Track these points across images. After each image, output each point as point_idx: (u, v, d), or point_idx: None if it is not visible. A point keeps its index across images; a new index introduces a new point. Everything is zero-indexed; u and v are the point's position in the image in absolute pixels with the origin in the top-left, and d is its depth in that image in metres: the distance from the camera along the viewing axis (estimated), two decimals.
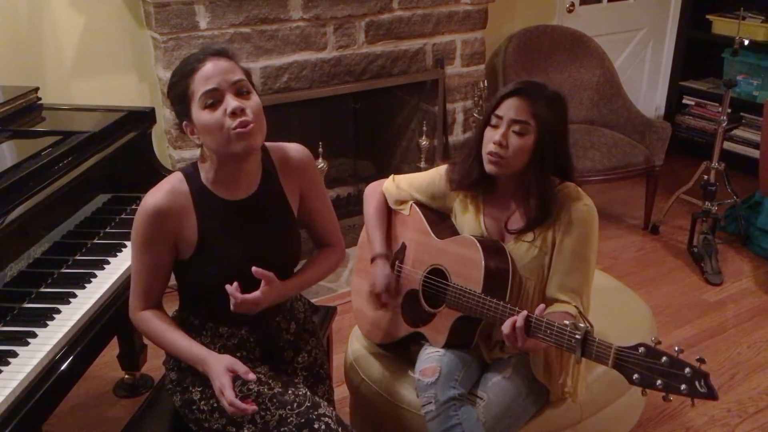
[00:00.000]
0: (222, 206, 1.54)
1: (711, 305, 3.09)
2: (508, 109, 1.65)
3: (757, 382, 2.59)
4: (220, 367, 1.45)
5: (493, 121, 1.68)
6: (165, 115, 2.87)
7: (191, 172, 1.55)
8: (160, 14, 2.68)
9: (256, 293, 1.48)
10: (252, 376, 1.44)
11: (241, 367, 1.45)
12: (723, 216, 3.61)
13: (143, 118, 2.25)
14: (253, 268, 1.47)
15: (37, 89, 2.24)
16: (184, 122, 1.49)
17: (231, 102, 1.42)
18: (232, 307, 1.48)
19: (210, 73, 1.43)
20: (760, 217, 3.47)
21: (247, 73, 1.51)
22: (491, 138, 1.67)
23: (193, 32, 2.76)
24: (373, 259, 1.90)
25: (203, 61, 1.45)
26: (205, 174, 1.55)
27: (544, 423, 1.80)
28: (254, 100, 1.47)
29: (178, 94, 1.47)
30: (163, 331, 1.55)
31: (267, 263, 1.55)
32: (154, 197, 1.50)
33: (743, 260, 3.46)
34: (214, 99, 1.43)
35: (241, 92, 1.45)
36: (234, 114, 1.42)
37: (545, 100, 1.66)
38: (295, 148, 1.67)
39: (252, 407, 1.41)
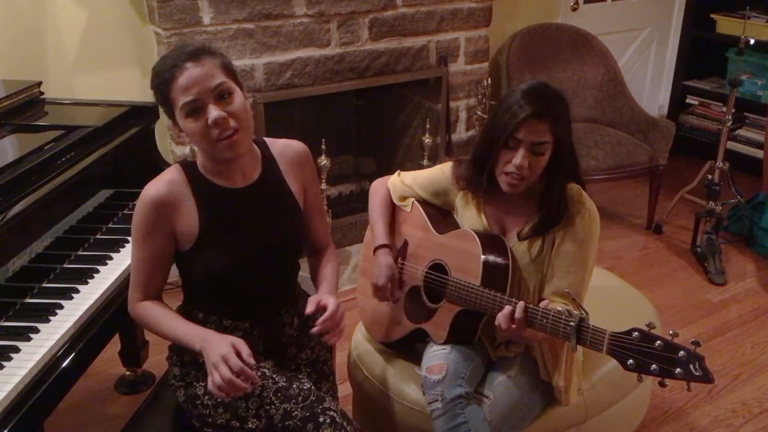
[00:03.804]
0: (221, 194, 1.55)
1: (714, 305, 3.08)
2: (529, 132, 1.59)
3: (761, 382, 2.58)
4: (224, 340, 1.43)
5: (511, 143, 1.62)
6: None
7: (189, 163, 1.57)
8: (164, 9, 2.66)
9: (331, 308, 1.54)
10: (252, 361, 1.42)
11: (244, 348, 1.42)
12: (726, 216, 3.60)
13: (146, 113, 2.24)
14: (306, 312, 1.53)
15: (39, 83, 2.23)
16: (172, 122, 1.49)
17: (212, 112, 1.41)
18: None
19: (187, 82, 1.41)
20: (764, 217, 3.46)
21: (228, 67, 1.48)
22: (509, 160, 1.62)
23: (196, 28, 2.75)
24: (375, 251, 1.89)
25: (180, 69, 1.41)
26: (202, 164, 1.56)
27: (550, 422, 1.79)
28: (237, 101, 1.45)
29: (161, 98, 1.47)
30: (162, 317, 1.55)
31: (271, 252, 1.57)
32: (154, 188, 1.51)
33: (747, 260, 3.45)
34: (195, 108, 1.42)
35: (222, 97, 1.43)
36: (216, 124, 1.41)
37: (559, 114, 1.62)
38: (295, 144, 1.69)
39: (248, 385, 1.38)
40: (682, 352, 1.32)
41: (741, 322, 2.96)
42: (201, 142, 1.45)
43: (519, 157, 1.61)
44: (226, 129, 1.42)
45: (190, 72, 1.41)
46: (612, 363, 1.43)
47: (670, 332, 1.36)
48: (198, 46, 1.46)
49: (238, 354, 1.40)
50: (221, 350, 1.40)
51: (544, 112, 1.59)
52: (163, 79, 1.44)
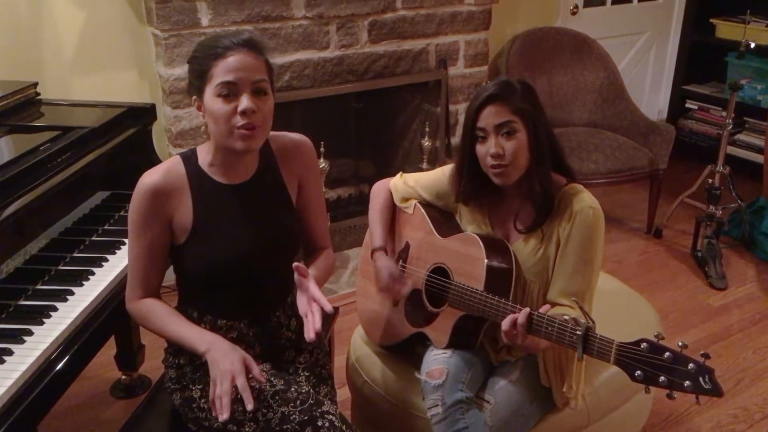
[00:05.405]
0: (218, 190, 1.54)
1: (715, 310, 3.06)
2: (487, 117, 1.62)
3: (763, 387, 2.55)
4: (236, 353, 1.43)
5: (479, 135, 1.65)
6: (165, 113, 2.84)
7: (189, 156, 1.56)
8: (162, 11, 2.65)
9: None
10: (263, 378, 1.44)
11: (255, 366, 1.43)
12: (727, 220, 3.59)
13: (144, 114, 2.22)
14: (294, 264, 1.48)
15: (35, 84, 2.21)
16: (194, 96, 1.49)
17: (245, 101, 1.42)
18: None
19: (236, 64, 1.42)
20: (764, 222, 3.45)
21: (270, 68, 1.50)
22: (486, 152, 1.64)
23: (194, 29, 2.73)
24: (372, 254, 1.88)
25: (232, 50, 1.43)
26: (203, 157, 1.55)
27: (551, 427, 1.77)
28: (269, 102, 1.48)
29: (197, 70, 1.47)
30: (165, 316, 1.53)
31: (265, 248, 1.56)
32: (151, 176, 1.51)
33: (747, 265, 3.43)
34: (230, 92, 1.43)
35: (258, 92, 1.45)
36: (244, 113, 1.42)
37: (517, 93, 1.63)
38: (295, 137, 1.68)
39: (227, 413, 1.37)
40: (691, 365, 1.29)
41: (742, 326, 2.94)
42: (220, 125, 1.44)
43: (492, 146, 1.62)
44: (250, 120, 1.43)
45: (242, 57, 1.43)
46: (614, 367, 1.41)
47: (679, 343, 1.33)
48: (255, 37, 1.49)
49: (248, 371, 1.41)
50: (234, 365, 1.40)
51: (497, 94, 1.62)
52: (210, 53, 1.44)
